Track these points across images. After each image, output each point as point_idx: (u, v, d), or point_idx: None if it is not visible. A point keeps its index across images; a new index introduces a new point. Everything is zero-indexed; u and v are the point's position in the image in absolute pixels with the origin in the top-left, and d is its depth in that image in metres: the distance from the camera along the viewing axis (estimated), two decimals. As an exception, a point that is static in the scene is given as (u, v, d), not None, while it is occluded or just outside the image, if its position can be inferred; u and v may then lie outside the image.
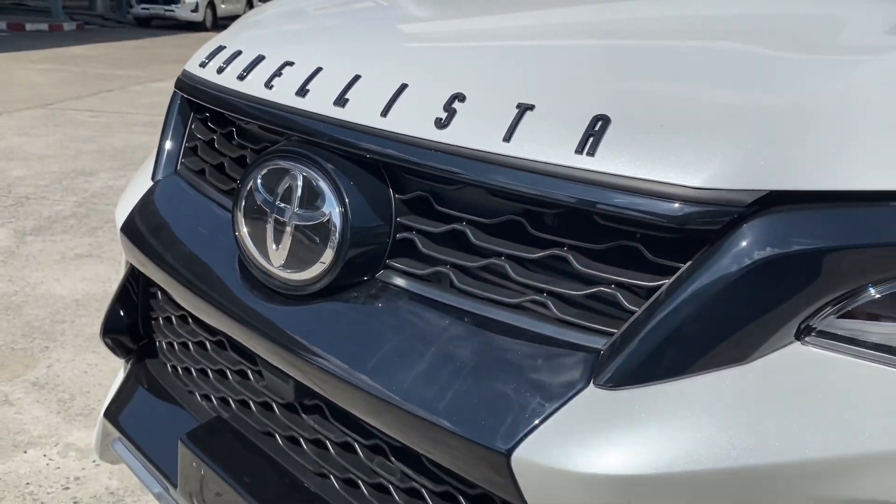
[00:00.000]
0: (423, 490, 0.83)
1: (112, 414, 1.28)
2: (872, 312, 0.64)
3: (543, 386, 0.68)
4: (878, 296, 0.63)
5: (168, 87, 9.81)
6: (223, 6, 20.06)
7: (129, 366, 1.39)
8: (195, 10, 18.65)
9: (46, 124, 6.76)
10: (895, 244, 0.62)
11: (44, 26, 15.70)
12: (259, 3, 22.93)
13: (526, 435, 0.66)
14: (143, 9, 18.84)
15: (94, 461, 2.20)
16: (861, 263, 0.63)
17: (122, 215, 1.18)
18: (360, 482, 0.91)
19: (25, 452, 2.22)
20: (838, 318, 0.64)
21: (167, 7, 18.56)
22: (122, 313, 1.35)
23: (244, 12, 20.45)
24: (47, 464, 2.18)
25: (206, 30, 18.92)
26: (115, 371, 2.64)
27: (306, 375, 0.85)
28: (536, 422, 0.66)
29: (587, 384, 0.67)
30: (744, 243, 0.64)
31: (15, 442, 2.26)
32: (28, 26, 15.33)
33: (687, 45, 0.83)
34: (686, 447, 0.63)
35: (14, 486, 2.07)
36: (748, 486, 0.62)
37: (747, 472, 0.62)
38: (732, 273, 0.64)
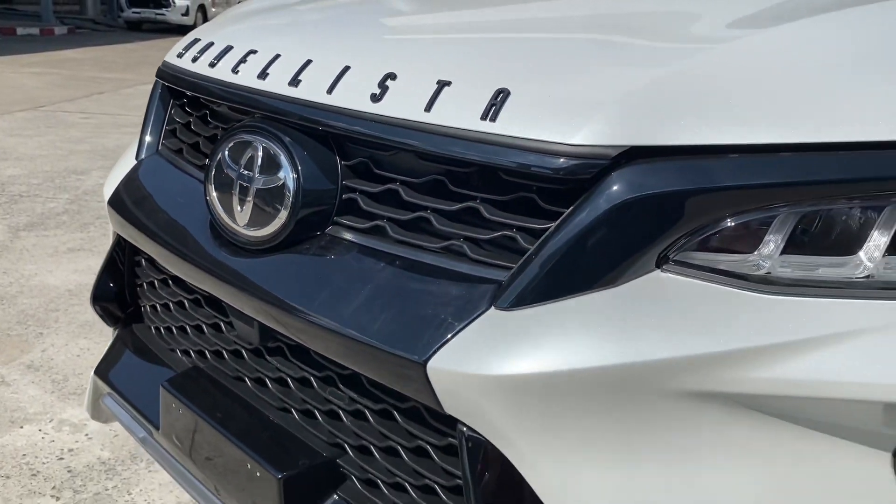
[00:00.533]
0: (366, 410, 0.98)
1: (102, 371, 1.42)
2: (717, 245, 0.79)
3: (455, 310, 0.83)
4: (721, 231, 0.79)
5: (159, 89, 9.87)
6: (214, 10, 20.17)
7: (116, 332, 1.54)
8: (186, 13, 18.77)
9: (39, 126, 6.89)
10: (732, 188, 0.77)
11: (35, 30, 15.80)
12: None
13: (438, 348, 0.81)
14: (133, 13, 18.94)
15: (86, 435, 2.34)
16: (706, 204, 0.78)
17: (109, 190, 1.32)
18: (315, 411, 1.05)
19: (21, 427, 2.36)
20: (691, 250, 0.79)
21: (158, 11, 18.67)
22: (109, 283, 1.50)
23: (234, 15, 20.56)
24: (42, 437, 2.31)
25: (196, 33, 19.01)
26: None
27: (268, 316, 1.00)
28: (447, 337, 0.81)
29: (489, 307, 0.82)
30: (611, 189, 0.79)
31: (11, 418, 2.40)
32: (19, 30, 15.43)
33: (571, 35, 0.99)
34: (565, 353, 0.77)
35: (11, 457, 2.21)
36: (616, 382, 0.77)
37: (615, 370, 0.76)
38: (602, 213, 0.78)
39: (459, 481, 0.87)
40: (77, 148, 6.09)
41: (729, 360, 0.75)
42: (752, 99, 0.79)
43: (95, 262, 3.70)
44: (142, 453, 2.27)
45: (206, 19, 19.61)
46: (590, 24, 1.04)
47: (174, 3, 18.60)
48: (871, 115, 0.76)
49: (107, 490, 2.08)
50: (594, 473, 0.79)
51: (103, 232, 4.16)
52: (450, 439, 0.88)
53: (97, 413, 1.56)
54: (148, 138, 1.36)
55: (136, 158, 1.35)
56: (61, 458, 2.22)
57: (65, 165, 5.53)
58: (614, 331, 0.77)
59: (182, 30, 18.97)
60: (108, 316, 1.53)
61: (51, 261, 3.72)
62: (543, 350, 0.78)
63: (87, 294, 3.32)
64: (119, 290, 1.49)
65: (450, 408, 0.82)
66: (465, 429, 0.83)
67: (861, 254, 0.77)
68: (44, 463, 2.19)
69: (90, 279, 3.45)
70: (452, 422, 0.85)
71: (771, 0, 1.02)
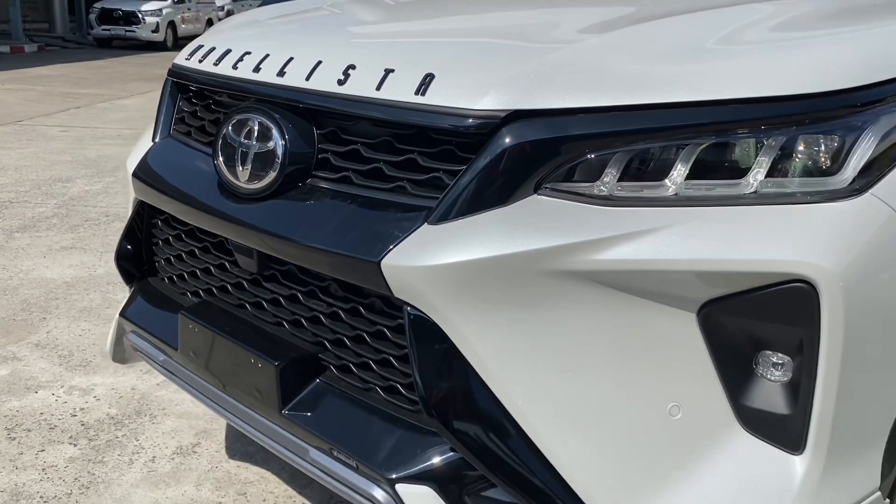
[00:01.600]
0: (339, 311, 1.34)
1: (125, 313, 1.76)
2: (573, 176, 1.17)
3: (400, 226, 1.20)
4: (576, 166, 1.16)
5: (133, 103, 10.14)
6: (184, 26, 20.41)
7: (134, 288, 1.88)
8: (156, 30, 18.97)
9: (20, 139, 7.15)
10: (581, 136, 1.15)
11: (5, 48, 15.94)
12: (219, 21, 23.22)
13: (389, 251, 1.18)
14: (103, 30, 19.10)
15: (94, 397, 2.66)
16: (564, 148, 1.16)
17: (132, 165, 1.68)
18: (301, 319, 1.42)
19: (36, 392, 2.68)
20: (557, 180, 1.17)
21: (128, 28, 18.85)
22: (128, 246, 1.84)
23: (203, 31, 20.62)
24: (56, 399, 2.64)
25: (167, 49, 19.21)
26: (105, 335, 3.10)
27: (265, 245, 1.36)
28: (395, 244, 1.18)
29: (423, 223, 1.19)
30: (501, 140, 1.16)
31: (27, 385, 2.72)
32: (-11, 49, 15.56)
33: (476, 35, 1.38)
34: (473, 249, 1.14)
35: (30, 415, 2.53)
36: (508, 266, 1.14)
37: (506, 258, 1.13)
38: (495, 156, 1.16)
39: (407, 350, 1.24)
40: (59, 158, 6.36)
41: (579, 249, 1.13)
42: (593, 77, 1.18)
43: (87, 258, 4.02)
44: (145, 404, 2.60)
45: (175, 36, 19.84)
46: (489, 28, 1.44)
47: (144, 20, 18.81)
48: (671, 85, 1.15)
49: (117, 438, 2.41)
50: (498, 331, 1.16)
51: (92, 233, 4.46)
52: (399, 320, 1.24)
53: (118, 353, 1.90)
54: (161, 125, 1.72)
55: (153, 140, 1.71)
56: (74, 416, 2.54)
57: (50, 174, 5.81)
58: (505, 233, 1.15)
59: (152, 46, 19.18)
60: (126, 274, 1.87)
61: (46, 258, 4.02)
62: (459, 248, 1.15)
63: (83, 285, 3.64)
64: (136, 251, 1.83)
65: (398, 292, 1.19)
66: (409, 309, 1.20)
67: (667, 180, 1.15)
68: (59, 419, 2.51)
69: (84, 272, 3.79)
70: (400, 306, 1.21)
71: (611, 14, 1.42)
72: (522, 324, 1.16)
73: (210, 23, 22.41)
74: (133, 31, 18.82)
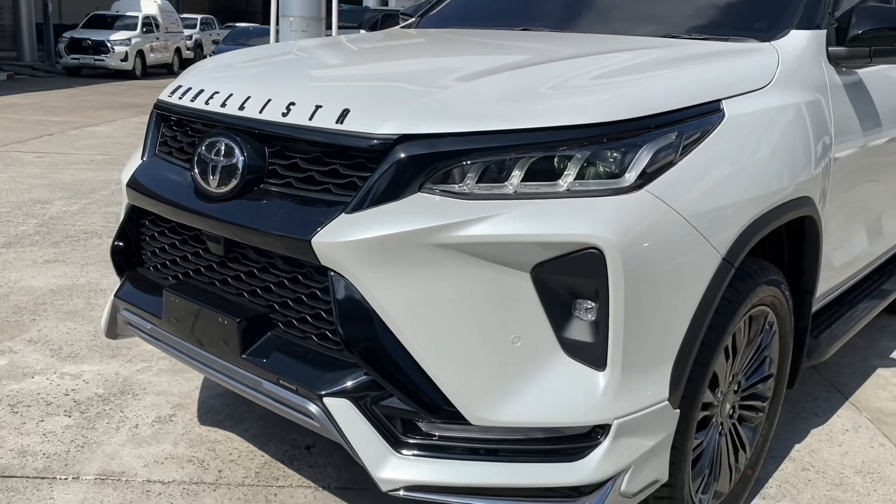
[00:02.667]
0: (284, 279, 1.84)
1: (119, 294, 2.25)
2: (444, 179, 1.69)
3: (326, 215, 1.71)
4: (445, 172, 1.68)
5: (104, 130, 10.56)
6: (152, 55, 20.82)
7: (125, 276, 2.36)
8: (125, 59, 19.35)
9: (-3, 164, 7.53)
10: (448, 152, 1.67)
11: (-25, 77, 16.20)
12: (187, 50, 23.65)
13: (317, 232, 1.68)
14: (72, 59, 19.42)
15: (84, 381, 3.11)
16: (436, 160, 1.68)
17: (125, 177, 2.17)
18: (256, 289, 1.91)
19: (33, 378, 3.12)
20: (433, 183, 1.69)
21: (97, 57, 19.19)
22: (120, 244, 2.32)
23: (172, 61, 20.90)
24: (50, 383, 3.08)
25: (136, 78, 19.59)
26: (90, 332, 3.56)
27: (229, 232, 1.86)
28: (321, 227, 1.69)
29: (342, 213, 1.70)
30: (394, 155, 1.68)
31: (23, 372, 3.16)
32: (-41, 78, 15.79)
33: (381, 80, 1.91)
34: (374, 229, 1.65)
35: (28, 395, 2.97)
36: (400, 241, 1.64)
37: (397, 235, 1.64)
38: (390, 166, 1.68)
39: (331, 305, 1.74)
40: (36, 182, 6.77)
41: (447, 228, 1.64)
42: (459, 112, 1.71)
43: (70, 270, 4.46)
44: (128, 385, 3.06)
45: (144, 65, 20.22)
46: (393, 75, 1.98)
47: (113, 49, 19.18)
48: (512, 117, 1.68)
49: (105, 411, 2.87)
50: (394, 286, 1.67)
51: (73, 248, 4.89)
52: (325, 283, 1.75)
53: (112, 329, 2.37)
54: (148, 146, 2.22)
55: (142, 158, 2.21)
56: (67, 395, 2.99)
57: (28, 197, 6.22)
58: (398, 218, 1.66)
59: (121, 75, 19.55)
60: (118, 266, 2.35)
61: (32, 270, 4.45)
62: (366, 229, 1.66)
63: (67, 292, 4.09)
64: (127, 247, 2.31)
65: (324, 261, 1.69)
66: (333, 273, 1.70)
67: (508, 182, 1.67)
68: (54, 397, 2.96)
69: (68, 282, 4.24)
70: (326, 271, 1.72)
71: (485, 65, 1.96)
72: (410, 281, 1.67)
73: (178, 51, 22.86)
74: (102, 60, 19.18)
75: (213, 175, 1.90)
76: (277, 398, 1.84)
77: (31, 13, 22.09)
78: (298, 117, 1.80)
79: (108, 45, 19.18)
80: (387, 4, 28.45)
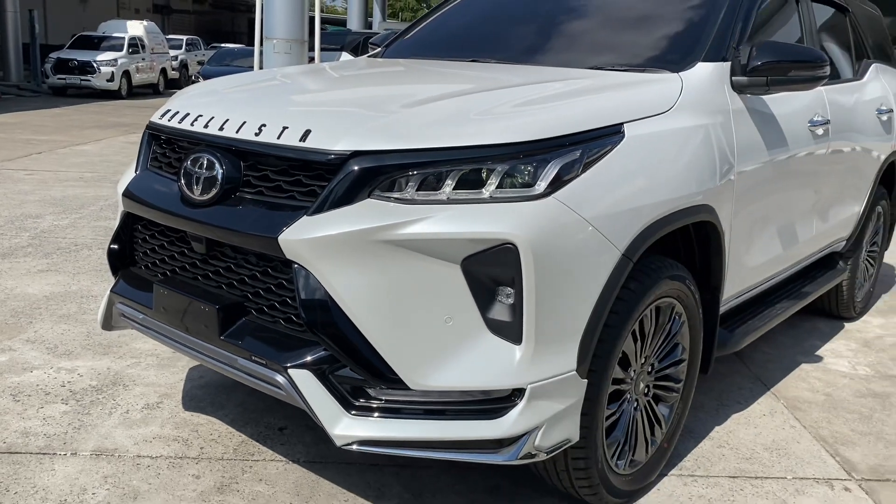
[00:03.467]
0: (256, 272, 2.19)
1: (114, 290, 2.59)
2: (389, 187, 2.05)
3: (291, 217, 2.06)
4: (390, 181, 2.04)
5: (92, 149, 10.89)
6: (138, 75, 21.14)
7: (119, 275, 2.70)
8: (111, 79, 19.65)
9: (-11, 181, 7.83)
10: (393, 164, 2.03)
11: (-37, 97, 16.43)
12: (172, 70, 23.98)
13: (283, 231, 2.04)
14: (59, 79, 19.70)
15: (78, 374, 3.43)
16: (381, 171, 2.04)
17: (121, 188, 2.53)
18: (233, 282, 2.26)
19: (31, 372, 3.43)
20: (381, 190, 2.05)
21: (83, 77, 19.48)
22: (115, 246, 2.67)
23: (158, 81, 21.17)
24: (47, 376, 3.40)
25: (122, 97, 19.89)
26: (83, 333, 3.88)
27: (211, 233, 2.21)
28: (286, 227, 2.04)
29: (304, 215, 2.06)
30: (348, 167, 2.04)
31: (23, 367, 3.47)
32: (-53, 98, 16.01)
33: (339, 106, 2.28)
34: (331, 228, 2.01)
35: (28, 386, 3.28)
36: (351, 238, 2.00)
37: (350, 233, 2.00)
38: (344, 176, 2.04)
39: (294, 293, 2.08)
40: (27, 198, 7.08)
41: (391, 227, 2.00)
42: (402, 132, 2.07)
43: (63, 279, 4.77)
44: (119, 378, 3.38)
45: (130, 85, 20.52)
46: (350, 100, 2.34)
47: (100, 69, 19.49)
48: (446, 137, 2.05)
49: (98, 399, 3.19)
50: (347, 276, 2.02)
51: (65, 259, 5.20)
52: (290, 274, 2.10)
53: (107, 322, 2.71)
54: (141, 161, 2.57)
55: (135, 172, 2.56)
56: (63, 386, 3.31)
57: (20, 212, 6.52)
58: (350, 220, 2.02)
59: (107, 95, 19.85)
60: (113, 266, 2.69)
61: (26, 278, 4.76)
62: (324, 228, 2.01)
63: (61, 298, 4.42)
64: (121, 249, 2.66)
65: (289, 255, 2.05)
66: (296, 265, 2.05)
67: (441, 191, 2.04)
68: (52, 388, 3.28)
69: (61, 289, 4.57)
70: (290, 264, 2.07)
71: (426, 94, 2.34)
72: (361, 271, 2.02)
73: (164, 72, 23.20)
74: (88, 81, 19.46)
75: (197, 185, 2.26)
76: (250, 372, 2.19)
77: (17, 33, 22.37)
78: (268, 136, 2.16)
79: (95, 65, 19.49)
80: (370, 27, 28.97)
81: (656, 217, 2.31)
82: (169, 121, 2.47)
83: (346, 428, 2.05)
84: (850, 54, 4.30)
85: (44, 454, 2.74)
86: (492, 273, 2.03)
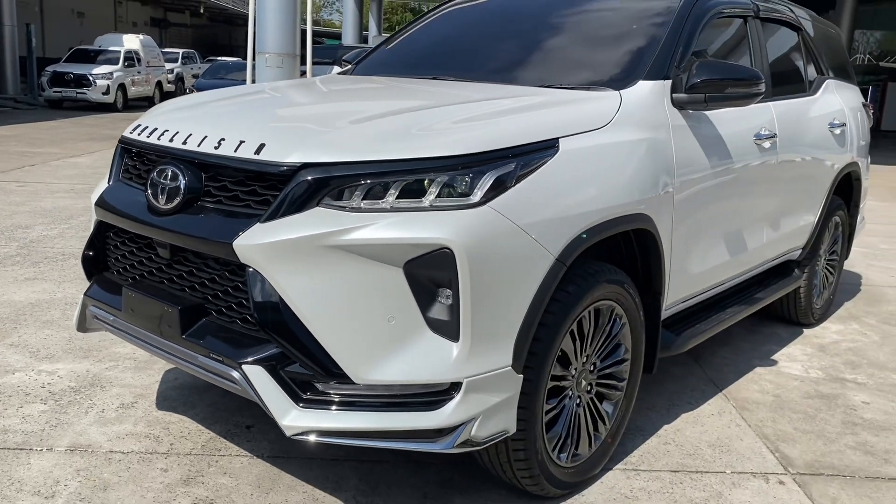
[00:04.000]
0: (214, 276, 2.36)
1: (88, 293, 2.75)
2: (337, 196, 2.22)
3: (245, 224, 2.23)
4: (336, 191, 2.22)
5: (85, 161, 11.06)
6: (134, 88, 21.37)
7: (93, 279, 2.86)
8: (106, 92, 19.87)
9: (-19, 192, 8.00)
10: (337, 175, 2.21)
11: (-41, 110, 16.62)
12: (168, 83, 24.20)
13: (237, 236, 2.21)
14: (55, 92, 19.91)
15: (58, 376, 3.58)
16: (327, 182, 2.21)
17: (94, 197, 2.70)
18: (194, 285, 2.43)
19: (14, 374, 3.59)
20: (331, 199, 2.22)
21: (79, 90, 19.70)
22: (90, 252, 2.83)
23: (154, 93, 21.39)
24: (28, 378, 3.55)
25: (117, 110, 20.10)
26: (65, 338, 4.04)
27: (174, 239, 2.38)
28: (241, 233, 2.21)
29: (258, 222, 2.23)
30: (297, 178, 2.21)
31: (6, 370, 3.63)
32: (-56, 110, 16.19)
33: (290, 121, 2.46)
34: (281, 234, 2.18)
35: (10, 387, 3.44)
36: (301, 243, 2.17)
37: (298, 239, 2.17)
38: (294, 186, 2.21)
39: (248, 295, 2.25)
40: (18, 209, 7.24)
41: (336, 233, 2.17)
42: (347, 146, 2.25)
43: (48, 286, 4.93)
44: (97, 379, 3.54)
45: (126, 98, 20.74)
46: (303, 117, 2.52)
47: (95, 83, 19.71)
48: (388, 150, 2.22)
49: (76, 399, 3.35)
50: (296, 278, 2.19)
51: (51, 268, 5.36)
52: (244, 277, 2.26)
53: (82, 324, 2.87)
54: (113, 173, 2.75)
55: (108, 183, 2.73)
56: (43, 387, 3.46)
57: (11, 222, 6.69)
58: (299, 226, 2.18)
59: (103, 107, 20.07)
60: (87, 271, 2.86)
61: (13, 286, 4.92)
62: (276, 234, 2.18)
63: (45, 305, 4.58)
64: (95, 255, 2.83)
65: (243, 259, 2.21)
66: (250, 269, 2.22)
67: (384, 200, 2.21)
68: (32, 389, 3.43)
69: (46, 296, 4.73)
70: (244, 268, 2.24)
71: (377, 110, 2.52)
72: (310, 274, 2.19)
73: (160, 84, 23.43)
74: (84, 94, 19.68)
75: (162, 195, 2.43)
76: (209, 368, 2.35)
77: (14, 47, 22.60)
78: (226, 149, 2.34)
79: (90, 78, 19.72)
80: (366, 41, 29.25)
81: (590, 224, 2.48)
82: (139, 135, 2.65)
83: (294, 419, 2.21)
84: (804, 71, 4.49)
85: (20, 449, 2.90)
86: (431, 276, 2.20)
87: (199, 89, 15.28)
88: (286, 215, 2.21)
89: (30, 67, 22.12)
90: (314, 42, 11.86)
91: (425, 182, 2.23)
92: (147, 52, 22.77)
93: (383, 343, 2.21)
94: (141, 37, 23.07)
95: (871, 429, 3.48)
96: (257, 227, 2.22)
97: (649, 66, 3.05)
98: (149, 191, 2.47)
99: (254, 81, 10.42)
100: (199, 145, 2.41)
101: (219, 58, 28.53)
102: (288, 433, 2.22)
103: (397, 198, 2.21)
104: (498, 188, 2.26)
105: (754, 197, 3.68)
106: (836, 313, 5.26)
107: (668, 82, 3.04)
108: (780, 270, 4.42)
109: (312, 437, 2.22)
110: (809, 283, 4.67)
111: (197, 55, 30.49)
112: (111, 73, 20.20)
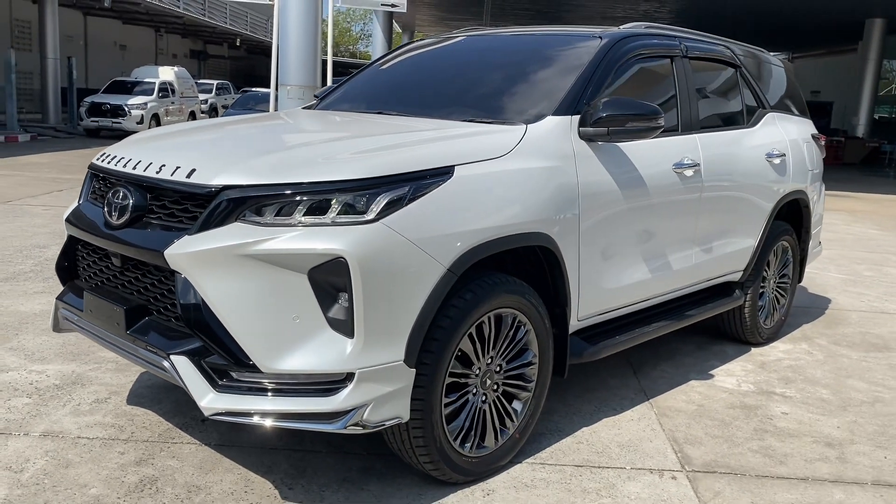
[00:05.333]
0: (154, 281, 2.77)
1: (60, 298, 3.19)
2: (257, 213, 2.62)
3: (176, 236, 2.65)
4: (255, 209, 2.62)
5: (109, 186, 11.36)
6: (167, 118, 22.25)
7: (66, 286, 3.30)
8: (140, 121, 20.74)
9: (7, 216, 8.61)
10: (263, 195, 2.61)
11: (0, 138, 17.59)
12: (202, 113, 25.11)
13: (168, 246, 2.62)
14: (91, 121, 20.85)
15: (46, 375, 4.02)
16: (249, 202, 2.61)
17: (65, 214, 3.14)
18: (140, 288, 2.85)
19: (7, 373, 4.04)
20: (252, 214, 2.62)
21: (115, 120, 20.60)
22: (64, 262, 3.28)
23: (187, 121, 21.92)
24: (20, 376, 4.00)
25: (149, 139, 20.90)
26: (59, 343, 4.49)
27: (125, 249, 2.80)
28: (172, 243, 2.63)
29: (186, 234, 2.64)
30: (221, 198, 2.62)
31: (1, 369, 4.08)
32: (-14, 139, 17.14)
33: (223, 147, 2.88)
34: (208, 244, 2.58)
35: (1, 383, 3.89)
36: (223, 252, 2.57)
37: (221, 248, 2.57)
38: (215, 206, 2.62)
39: (177, 296, 2.65)
40: (39, 231, 7.81)
41: (250, 244, 2.56)
42: (264, 170, 2.65)
43: (54, 300, 5.40)
44: (79, 379, 3.97)
45: (159, 126, 21.64)
46: (234, 144, 2.94)
47: (130, 112, 20.61)
48: (301, 173, 2.63)
49: (58, 394, 3.78)
50: (217, 282, 2.58)
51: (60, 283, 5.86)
52: (174, 281, 2.67)
53: (56, 324, 3.30)
54: (83, 194, 3.20)
55: (78, 202, 3.18)
56: (31, 384, 3.90)
57: (30, 242, 7.25)
58: (220, 238, 2.58)
59: (136, 136, 20.94)
60: (61, 278, 3.30)
61: (22, 298, 5.42)
62: (201, 244, 2.59)
63: (48, 315, 5.04)
64: (67, 264, 3.27)
65: (172, 266, 2.62)
66: (178, 274, 2.63)
67: (293, 216, 2.60)
68: (21, 385, 3.88)
69: (50, 308, 5.19)
70: (174, 273, 2.64)
71: (303, 140, 2.92)
72: (227, 278, 2.59)
73: (193, 114, 24.34)
74: (119, 123, 20.57)
75: (115, 212, 2.86)
76: (146, 359, 2.75)
77: (56, 78, 23.75)
78: (165, 174, 2.76)
79: (126, 108, 20.63)
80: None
81: (482, 240, 2.84)
82: (103, 162, 3.10)
83: (211, 401, 2.60)
84: (742, 105, 4.81)
85: (0, 433, 3.32)
86: (330, 281, 2.58)
87: (225, 119, 15.94)
88: (210, 229, 2.62)
89: (70, 98, 23.19)
90: (342, 73, 12.47)
91: (331, 201, 2.62)
92: (181, 83, 23.72)
93: (289, 338, 2.59)
94: (176, 69, 24.04)
95: (779, 435, 3.74)
96: (185, 238, 2.63)
97: (559, 103, 3.42)
98: (105, 208, 2.91)
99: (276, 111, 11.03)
100: (145, 170, 2.84)
101: (252, 88, 29.52)
102: (206, 413, 2.60)
103: (304, 214, 2.61)
104: (391, 207, 2.64)
105: (676, 220, 4.00)
106: (789, 334, 5.50)
107: (577, 117, 3.40)
108: (721, 290, 4.71)
109: (227, 418, 2.60)
110: (754, 303, 4.94)
111: (231, 86, 31.55)
112: (146, 104, 21.09)
